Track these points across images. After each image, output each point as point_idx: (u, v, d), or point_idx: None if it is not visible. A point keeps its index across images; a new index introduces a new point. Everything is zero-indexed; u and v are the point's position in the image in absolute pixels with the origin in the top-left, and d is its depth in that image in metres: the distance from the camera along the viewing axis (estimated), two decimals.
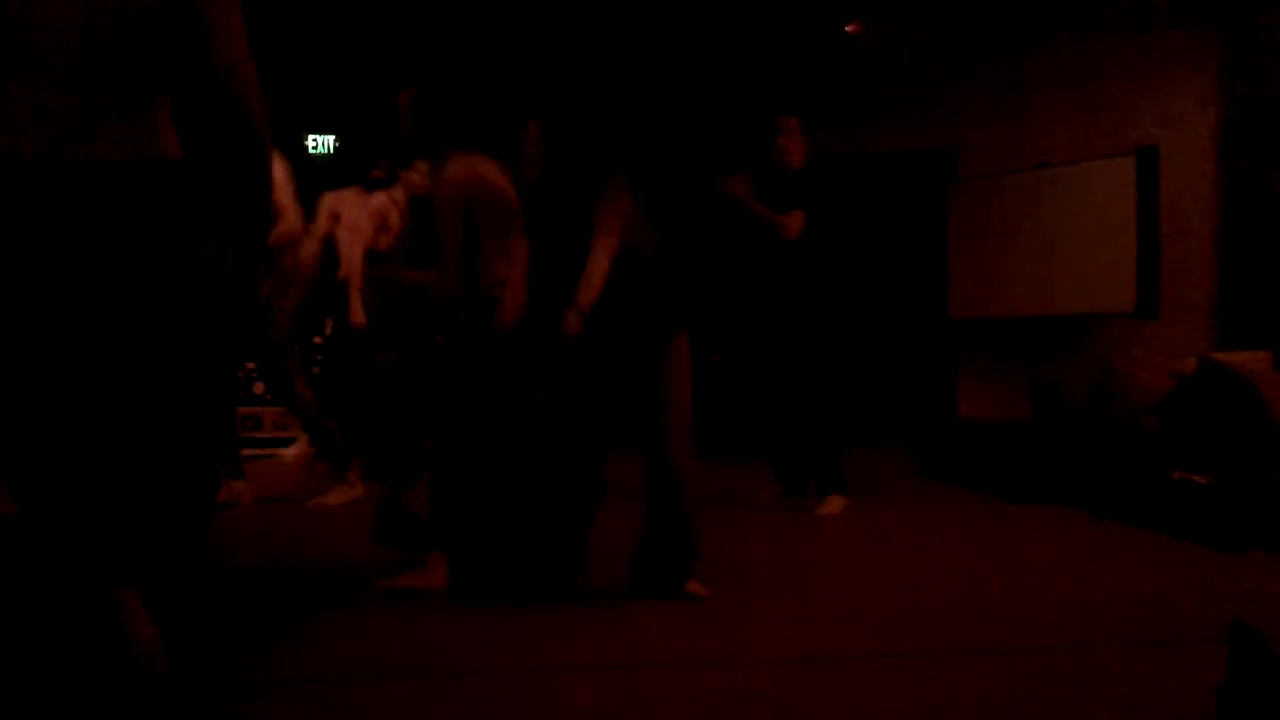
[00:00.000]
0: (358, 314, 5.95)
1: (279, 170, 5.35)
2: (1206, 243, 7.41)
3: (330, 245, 6.23)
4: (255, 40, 2.11)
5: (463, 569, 3.78)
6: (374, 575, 3.88)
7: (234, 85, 1.95)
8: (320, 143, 11.61)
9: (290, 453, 7.20)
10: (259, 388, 8.02)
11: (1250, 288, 7.09)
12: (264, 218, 2.04)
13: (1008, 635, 3.26)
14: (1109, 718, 2.59)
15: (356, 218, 6.04)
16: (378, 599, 3.67)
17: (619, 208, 3.61)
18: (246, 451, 7.81)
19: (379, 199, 5.83)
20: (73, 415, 1.77)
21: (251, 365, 8.02)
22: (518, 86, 8.53)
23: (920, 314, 8.85)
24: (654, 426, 3.64)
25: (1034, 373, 7.12)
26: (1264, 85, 6.99)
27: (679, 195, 6.61)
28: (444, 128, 3.84)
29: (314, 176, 11.33)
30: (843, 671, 2.94)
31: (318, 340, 8.22)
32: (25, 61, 1.79)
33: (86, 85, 1.81)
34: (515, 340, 3.72)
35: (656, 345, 3.68)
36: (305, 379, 5.66)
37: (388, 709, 2.68)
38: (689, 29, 8.83)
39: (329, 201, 6.22)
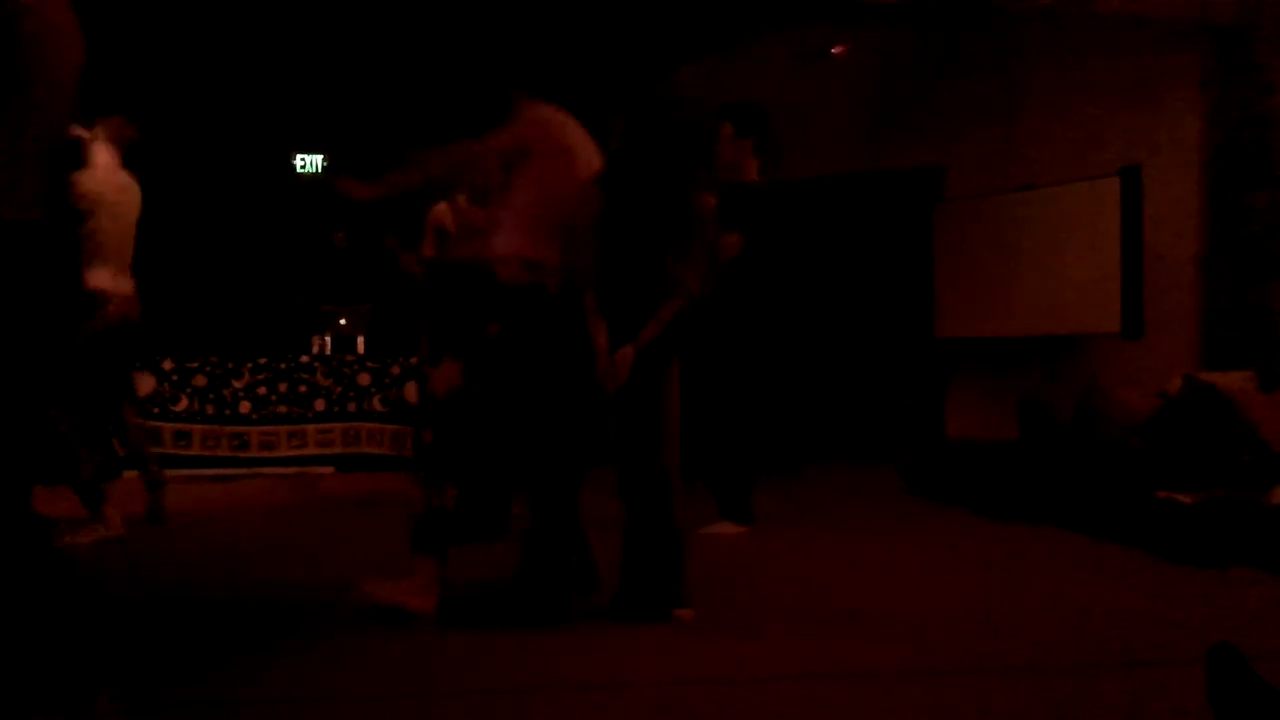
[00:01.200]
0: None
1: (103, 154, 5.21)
2: (1191, 263, 7.45)
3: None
4: (246, 61, 2.25)
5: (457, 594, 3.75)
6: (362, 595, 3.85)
7: None
8: (308, 162, 11.64)
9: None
10: (245, 406, 8.00)
11: (1234, 308, 7.13)
12: None
13: (1000, 654, 3.26)
14: None
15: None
16: (368, 619, 3.64)
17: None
18: (231, 471, 7.83)
19: (438, 207, 5.76)
20: None
21: (239, 385, 8.01)
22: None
23: (907, 333, 8.88)
24: (647, 441, 3.65)
25: (1021, 392, 7.13)
26: (1246, 107, 7.05)
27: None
28: None
29: (302, 195, 11.41)
30: (836, 690, 2.94)
31: (305, 359, 8.22)
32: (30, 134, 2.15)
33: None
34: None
35: (660, 365, 3.69)
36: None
37: None
38: (672, 46, 8.88)
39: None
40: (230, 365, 8.04)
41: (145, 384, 7.82)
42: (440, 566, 3.66)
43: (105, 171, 5.25)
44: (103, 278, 5.17)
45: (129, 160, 5.41)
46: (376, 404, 8.17)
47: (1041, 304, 7.75)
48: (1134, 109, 7.72)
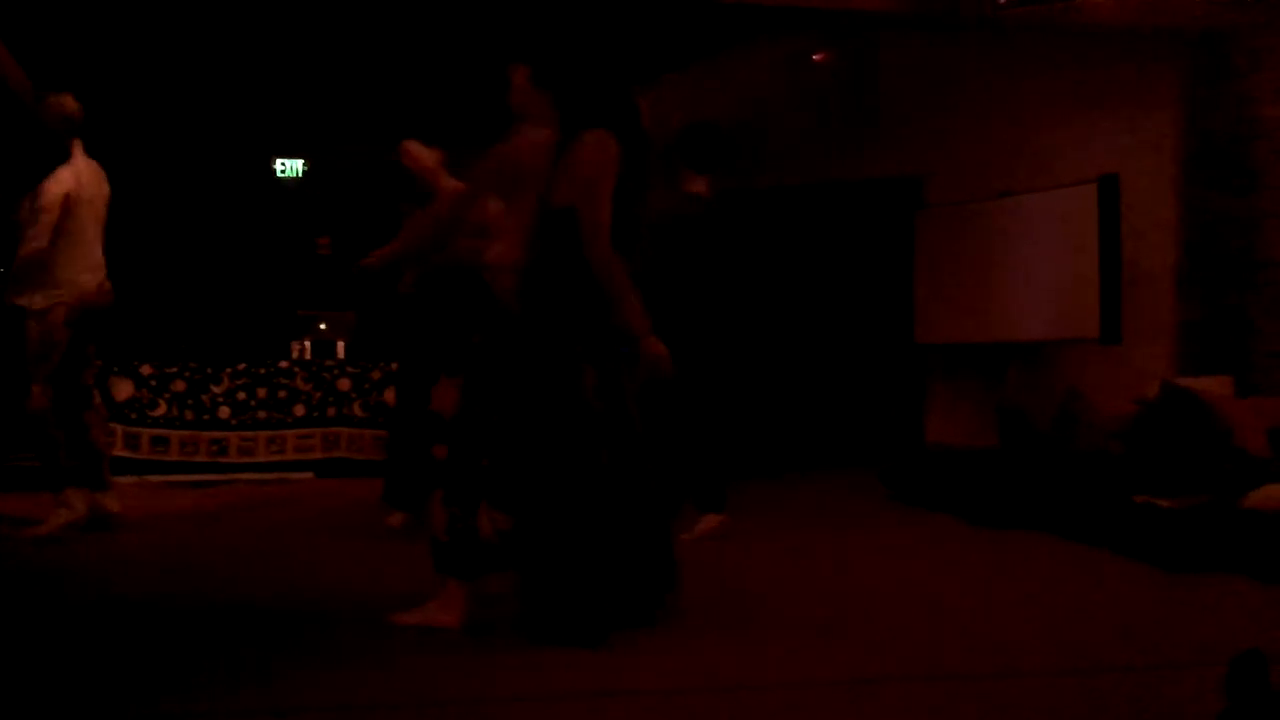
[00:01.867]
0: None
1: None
2: (1168, 269, 7.51)
3: None
4: (225, 65, 2.15)
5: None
6: (375, 601, 3.80)
7: None
8: (288, 167, 11.60)
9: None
10: (224, 412, 7.95)
11: (1211, 314, 7.20)
12: None
13: (986, 661, 3.27)
14: None
15: None
16: (358, 627, 3.61)
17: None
18: (210, 476, 7.79)
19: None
20: None
21: (218, 390, 7.96)
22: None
23: (888, 339, 8.91)
24: (634, 439, 3.60)
25: (1000, 398, 7.17)
26: (1224, 116, 7.12)
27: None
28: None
29: (282, 200, 11.37)
30: (822, 698, 2.94)
31: (284, 364, 8.18)
32: None
33: None
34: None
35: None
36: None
37: None
38: (653, 55, 8.89)
39: None
40: (209, 370, 7.99)
41: (123, 389, 7.77)
42: (468, 585, 3.58)
43: (85, 167, 5.25)
44: (76, 270, 5.18)
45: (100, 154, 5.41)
46: (357, 409, 8.13)
47: (1021, 310, 7.79)
48: (1112, 117, 7.78)
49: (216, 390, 7.98)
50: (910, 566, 4.78)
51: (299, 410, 8.08)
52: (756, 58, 9.31)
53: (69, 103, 5.27)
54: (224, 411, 7.97)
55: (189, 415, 7.91)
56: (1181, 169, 7.45)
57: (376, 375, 8.17)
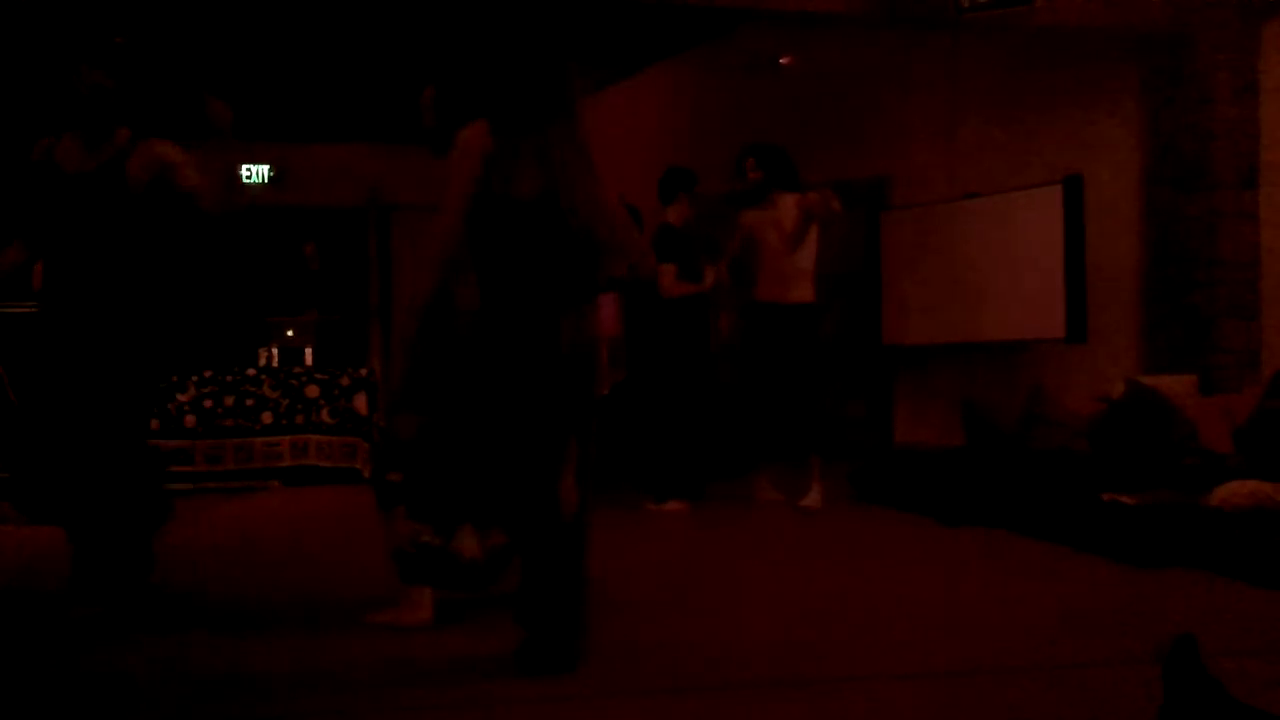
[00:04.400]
0: None
1: None
2: (1133, 269, 7.58)
3: None
4: (190, 71, 2.15)
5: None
6: (357, 606, 3.78)
7: None
8: (254, 172, 11.54)
9: None
10: (190, 420, 7.88)
11: (1174, 313, 7.26)
12: None
13: (952, 657, 3.28)
14: None
15: None
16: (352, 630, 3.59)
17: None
18: (177, 486, 7.69)
19: None
20: None
21: (184, 399, 7.89)
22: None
23: (855, 340, 8.94)
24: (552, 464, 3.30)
25: (967, 398, 7.21)
26: (1184, 116, 7.19)
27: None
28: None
29: (248, 207, 11.25)
30: (787, 698, 2.94)
31: (251, 372, 8.12)
32: None
33: None
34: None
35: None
36: None
37: None
38: (613, 57, 8.91)
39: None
40: (175, 379, 7.91)
41: None
42: (431, 590, 3.60)
43: None
44: None
45: None
46: (325, 416, 8.08)
47: (986, 310, 7.84)
48: (1076, 118, 7.84)
49: (183, 399, 7.91)
50: (875, 565, 4.79)
51: (267, 418, 8.02)
52: (720, 61, 9.34)
53: None
54: (190, 420, 7.90)
55: (155, 424, 7.82)
56: (1144, 169, 7.52)
57: (345, 381, 8.12)
